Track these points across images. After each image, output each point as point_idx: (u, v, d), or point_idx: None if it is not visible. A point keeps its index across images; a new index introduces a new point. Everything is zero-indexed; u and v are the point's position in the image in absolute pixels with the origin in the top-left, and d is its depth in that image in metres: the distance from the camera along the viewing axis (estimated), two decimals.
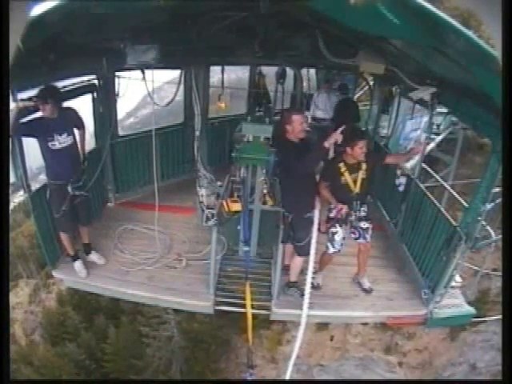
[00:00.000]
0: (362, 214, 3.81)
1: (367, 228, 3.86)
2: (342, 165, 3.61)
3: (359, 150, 3.50)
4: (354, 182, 3.63)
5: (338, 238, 3.79)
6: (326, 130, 5.44)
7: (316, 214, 3.74)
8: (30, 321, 15.76)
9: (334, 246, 3.84)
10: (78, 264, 4.11)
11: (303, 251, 3.78)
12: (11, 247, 15.17)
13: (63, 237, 4.00)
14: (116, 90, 4.66)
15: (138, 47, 3.65)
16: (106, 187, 5.10)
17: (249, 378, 4.00)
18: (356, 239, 3.92)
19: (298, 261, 3.90)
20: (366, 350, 10.85)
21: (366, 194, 3.81)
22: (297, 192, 3.63)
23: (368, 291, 4.16)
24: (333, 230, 3.78)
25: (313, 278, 3.78)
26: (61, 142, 3.60)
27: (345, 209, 3.63)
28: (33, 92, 3.34)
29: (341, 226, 3.77)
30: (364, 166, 3.62)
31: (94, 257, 4.28)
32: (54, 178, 3.72)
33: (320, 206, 3.80)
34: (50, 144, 3.55)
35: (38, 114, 3.49)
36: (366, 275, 4.23)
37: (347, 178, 3.61)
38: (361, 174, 3.63)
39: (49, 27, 2.39)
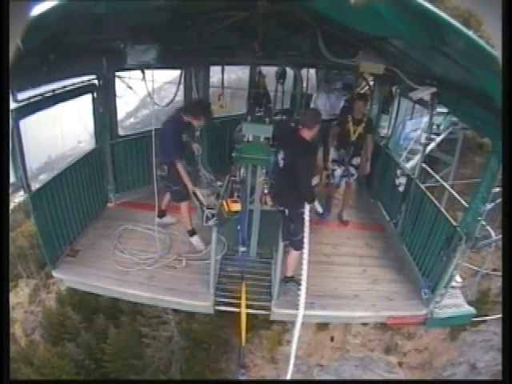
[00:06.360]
0: (355, 162, 5.17)
1: (353, 173, 5.28)
2: (350, 117, 5.02)
3: (361, 105, 5.05)
4: (354, 131, 5.01)
5: (336, 174, 5.23)
6: (327, 131, 5.46)
7: (306, 212, 3.69)
8: (29, 321, 15.79)
9: (334, 179, 5.25)
10: (196, 238, 4.52)
11: (299, 245, 3.75)
12: (11, 247, 15.19)
13: (185, 205, 4.42)
14: (116, 90, 4.65)
15: (138, 47, 3.64)
16: (106, 187, 5.10)
17: (241, 378, 4.01)
18: (342, 177, 5.28)
19: (294, 255, 3.91)
20: (366, 350, 10.85)
21: (359, 149, 5.13)
22: (292, 188, 3.63)
23: (345, 223, 5.42)
24: (332, 167, 5.21)
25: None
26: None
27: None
28: (32, 92, 3.34)
29: (339, 167, 5.18)
30: (363, 124, 5.02)
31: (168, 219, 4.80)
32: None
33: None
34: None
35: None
36: (347, 211, 5.56)
37: (350, 127, 5.00)
38: (359, 129, 5.00)
39: (49, 27, 2.39)
